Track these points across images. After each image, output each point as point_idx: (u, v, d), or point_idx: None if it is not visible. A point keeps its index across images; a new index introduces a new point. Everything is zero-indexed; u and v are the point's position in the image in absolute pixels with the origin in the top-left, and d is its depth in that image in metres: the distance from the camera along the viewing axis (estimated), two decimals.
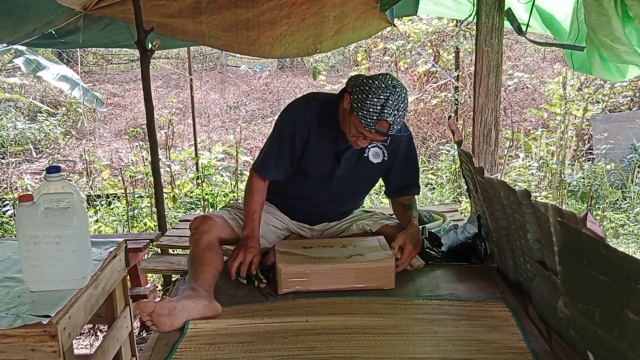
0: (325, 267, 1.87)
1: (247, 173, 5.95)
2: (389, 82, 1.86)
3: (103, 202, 4.93)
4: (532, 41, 2.84)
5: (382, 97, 1.82)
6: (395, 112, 1.84)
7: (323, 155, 2.07)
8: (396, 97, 1.84)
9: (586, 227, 1.13)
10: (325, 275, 1.87)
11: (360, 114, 1.84)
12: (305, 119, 2.04)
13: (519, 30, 2.58)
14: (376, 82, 1.85)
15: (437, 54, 6.61)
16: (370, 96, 1.83)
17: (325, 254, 1.96)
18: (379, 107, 1.82)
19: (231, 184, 5.11)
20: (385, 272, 1.90)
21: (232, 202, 4.10)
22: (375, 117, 1.83)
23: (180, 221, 3.17)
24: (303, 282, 1.86)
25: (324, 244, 2.08)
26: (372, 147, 2.09)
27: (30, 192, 1.58)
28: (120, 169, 5.61)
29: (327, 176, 2.10)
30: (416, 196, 2.30)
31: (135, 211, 4.58)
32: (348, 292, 1.87)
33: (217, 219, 2.05)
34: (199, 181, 5.04)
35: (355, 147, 2.02)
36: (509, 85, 6.42)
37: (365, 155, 2.10)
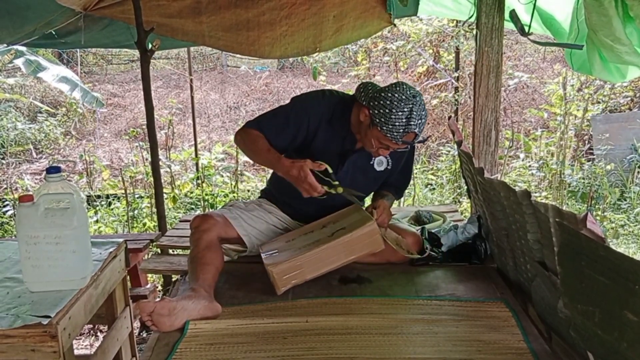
0: (314, 253, 1.86)
1: (248, 173, 5.92)
2: (408, 92, 1.88)
3: (103, 203, 4.93)
4: (533, 41, 2.85)
5: (405, 109, 1.85)
6: (420, 121, 1.88)
7: (329, 153, 2.07)
8: (418, 106, 1.87)
9: (586, 228, 1.14)
10: (316, 261, 1.87)
11: (385, 128, 1.87)
12: (318, 111, 2.05)
13: (522, 31, 2.58)
14: (396, 95, 1.87)
15: (437, 54, 6.61)
16: (394, 110, 1.85)
17: (309, 240, 1.95)
18: (404, 120, 1.85)
19: (231, 184, 5.11)
20: (371, 236, 1.90)
21: (232, 201, 4.09)
22: (402, 130, 1.86)
23: (180, 221, 3.17)
24: (297, 274, 1.86)
25: (305, 231, 2.07)
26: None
27: (30, 193, 1.58)
28: (121, 169, 5.61)
29: None
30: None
31: (135, 211, 4.58)
32: (348, 292, 1.87)
33: (217, 218, 2.04)
34: (199, 181, 5.04)
35: (375, 156, 2.06)
36: (509, 86, 6.42)
37: (371, 162, 2.13)
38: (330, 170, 1.93)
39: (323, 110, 2.05)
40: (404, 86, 1.90)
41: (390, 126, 1.86)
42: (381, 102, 1.87)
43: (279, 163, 1.93)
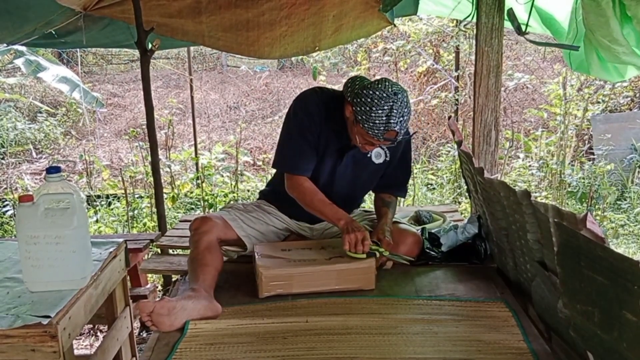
0: (307, 270, 1.86)
1: (248, 174, 5.91)
2: (389, 89, 1.86)
3: (103, 203, 4.93)
4: (530, 41, 2.84)
5: (385, 107, 1.83)
6: (401, 118, 1.86)
7: (329, 149, 2.08)
8: (399, 104, 1.85)
9: (586, 228, 1.14)
10: (306, 278, 1.87)
11: (366, 125, 1.86)
12: (318, 107, 2.05)
13: (519, 30, 2.58)
14: (377, 93, 1.85)
15: (437, 54, 6.61)
16: (374, 108, 1.84)
17: (305, 256, 1.95)
18: (384, 118, 1.84)
19: (231, 184, 5.11)
20: (365, 273, 1.89)
21: (231, 202, 4.09)
22: (382, 128, 1.85)
23: (180, 221, 3.17)
24: (284, 285, 1.86)
25: (303, 246, 2.06)
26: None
27: (30, 193, 1.58)
28: (120, 169, 5.61)
29: (329, 173, 2.11)
30: (401, 198, 2.30)
31: (135, 211, 4.58)
32: (348, 293, 1.87)
33: (216, 220, 2.05)
34: (199, 181, 5.04)
35: (363, 151, 2.05)
36: (509, 86, 6.42)
37: (369, 155, 2.11)
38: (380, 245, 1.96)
39: (321, 105, 2.06)
40: (387, 83, 1.88)
41: (371, 124, 1.85)
42: (362, 99, 1.86)
43: (339, 222, 1.97)
